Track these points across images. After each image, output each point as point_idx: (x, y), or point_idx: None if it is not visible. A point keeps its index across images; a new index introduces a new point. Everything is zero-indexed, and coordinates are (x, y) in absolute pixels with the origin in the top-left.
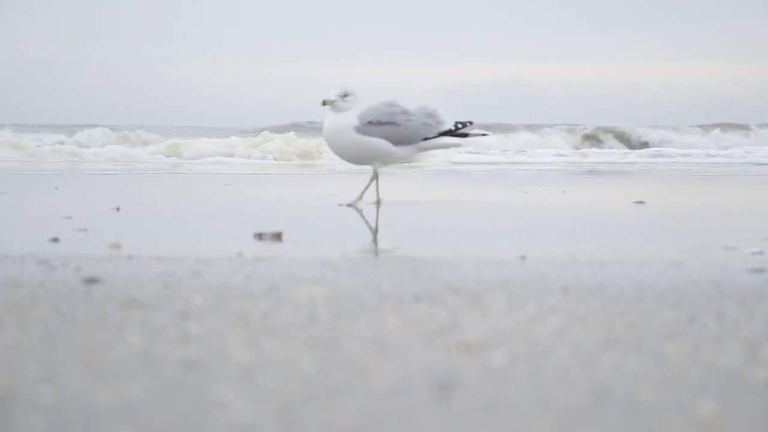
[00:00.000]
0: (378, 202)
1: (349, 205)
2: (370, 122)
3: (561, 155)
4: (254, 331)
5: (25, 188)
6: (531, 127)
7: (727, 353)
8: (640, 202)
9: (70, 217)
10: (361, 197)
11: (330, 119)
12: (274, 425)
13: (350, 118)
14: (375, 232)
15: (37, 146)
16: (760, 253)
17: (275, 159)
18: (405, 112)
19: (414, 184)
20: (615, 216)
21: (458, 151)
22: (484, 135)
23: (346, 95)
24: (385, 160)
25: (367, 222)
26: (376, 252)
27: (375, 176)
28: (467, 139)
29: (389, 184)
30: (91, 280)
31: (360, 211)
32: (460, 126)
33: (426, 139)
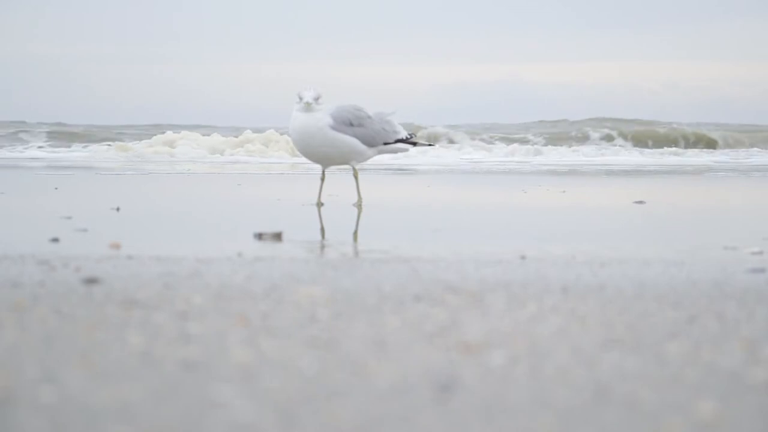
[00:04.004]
0: (319, 203)
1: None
2: (344, 122)
3: None
4: (254, 331)
5: (25, 188)
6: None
7: (727, 353)
8: (640, 202)
9: (70, 217)
10: (360, 197)
11: (300, 119)
12: (274, 425)
13: (323, 117)
14: (374, 231)
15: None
16: (760, 253)
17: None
18: (369, 117)
19: (414, 184)
20: (615, 216)
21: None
22: (430, 146)
23: (318, 97)
24: (358, 158)
25: (367, 222)
26: (376, 252)
27: (356, 174)
28: (415, 146)
29: (389, 184)
30: (91, 280)
31: (360, 211)
32: (408, 136)
33: (386, 143)
